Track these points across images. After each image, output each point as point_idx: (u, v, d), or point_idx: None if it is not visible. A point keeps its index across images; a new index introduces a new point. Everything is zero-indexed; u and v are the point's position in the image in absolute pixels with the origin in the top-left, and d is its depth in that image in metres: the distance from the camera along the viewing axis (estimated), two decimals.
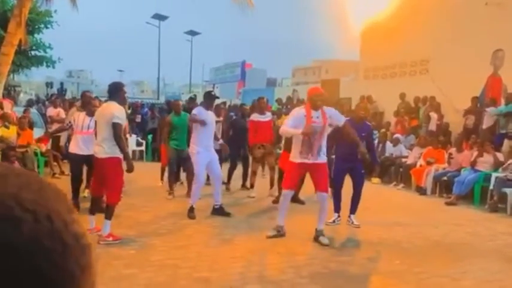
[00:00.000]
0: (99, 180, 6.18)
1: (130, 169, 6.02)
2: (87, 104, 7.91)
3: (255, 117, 9.20)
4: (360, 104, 8.59)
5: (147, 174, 10.37)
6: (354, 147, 6.78)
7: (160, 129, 10.68)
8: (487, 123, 11.66)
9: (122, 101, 6.11)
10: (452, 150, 10.82)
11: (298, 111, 6.41)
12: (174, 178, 9.27)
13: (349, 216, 7.33)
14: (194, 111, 7.70)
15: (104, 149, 5.90)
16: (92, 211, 6.27)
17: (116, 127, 5.83)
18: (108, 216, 6.00)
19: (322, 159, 6.32)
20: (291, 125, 6.25)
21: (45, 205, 0.50)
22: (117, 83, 6.39)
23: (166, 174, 9.65)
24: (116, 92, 6.05)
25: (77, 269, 0.51)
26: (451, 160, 10.57)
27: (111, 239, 5.98)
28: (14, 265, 0.46)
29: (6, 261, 0.46)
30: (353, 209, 7.31)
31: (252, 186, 9.50)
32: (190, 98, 12.78)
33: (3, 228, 0.47)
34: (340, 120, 6.56)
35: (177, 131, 8.92)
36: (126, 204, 6.47)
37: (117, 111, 5.89)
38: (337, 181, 7.39)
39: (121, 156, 5.97)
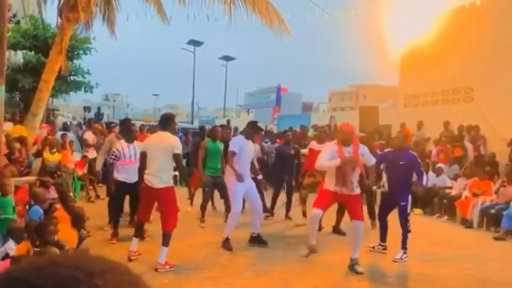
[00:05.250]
0: (146, 207, 6.43)
1: (192, 197, 6.56)
2: (129, 132, 7.76)
3: (314, 145, 8.97)
4: (399, 132, 8.51)
5: (181, 200, 10.16)
6: (399, 180, 7.15)
7: (193, 153, 10.40)
8: None
9: (173, 131, 6.44)
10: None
11: (331, 147, 6.60)
12: (206, 206, 8.98)
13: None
14: (233, 141, 7.64)
15: (161, 179, 6.11)
16: (137, 235, 6.42)
17: (178, 158, 6.14)
18: (166, 243, 6.10)
19: (356, 191, 6.45)
20: (325, 159, 6.41)
21: None
22: (169, 114, 6.84)
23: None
24: (168, 122, 6.36)
25: None
26: (499, 192, 10.01)
27: (167, 267, 6.03)
28: None
29: None
30: (402, 244, 7.05)
31: (304, 214, 9.08)
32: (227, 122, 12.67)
33: None
34: (371, 161, 6.80)
35: (211, 158, 8.71)
36: (159, 232, 6.35)
37: (176, 142, 6.17)
38: (381, 211, 7.58)
39: (172, 184, 6.24)
